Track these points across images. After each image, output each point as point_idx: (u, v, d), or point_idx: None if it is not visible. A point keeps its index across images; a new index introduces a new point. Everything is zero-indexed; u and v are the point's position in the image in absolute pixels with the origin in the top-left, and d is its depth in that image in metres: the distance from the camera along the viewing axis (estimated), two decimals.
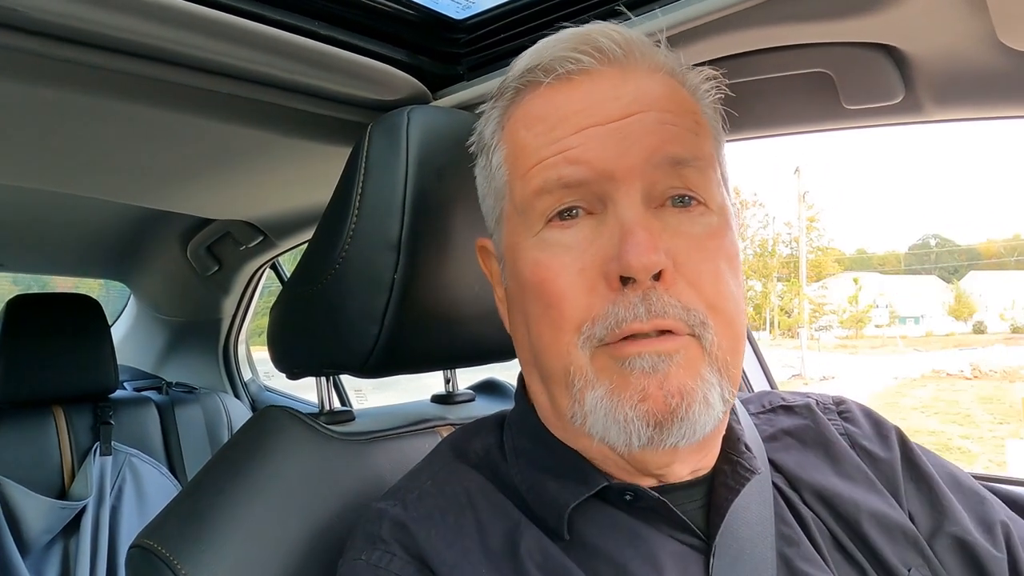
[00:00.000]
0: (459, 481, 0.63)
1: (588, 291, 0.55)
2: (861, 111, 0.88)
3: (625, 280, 0.54)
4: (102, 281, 2.47)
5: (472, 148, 0.69)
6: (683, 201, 0.57)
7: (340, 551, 0.64)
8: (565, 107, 0.58)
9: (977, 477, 1.16)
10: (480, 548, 0.58)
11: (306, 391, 1.97)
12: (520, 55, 0.63)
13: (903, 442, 0.72)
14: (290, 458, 0.75)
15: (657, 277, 0.54)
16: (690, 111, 0.60)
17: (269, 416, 0.79)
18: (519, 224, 0.61)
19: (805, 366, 16.06)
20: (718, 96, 0.63)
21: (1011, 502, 0.71)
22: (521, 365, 0.68)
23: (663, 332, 0.55)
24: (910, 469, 0.70)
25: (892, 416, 0.75)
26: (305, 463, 0.75)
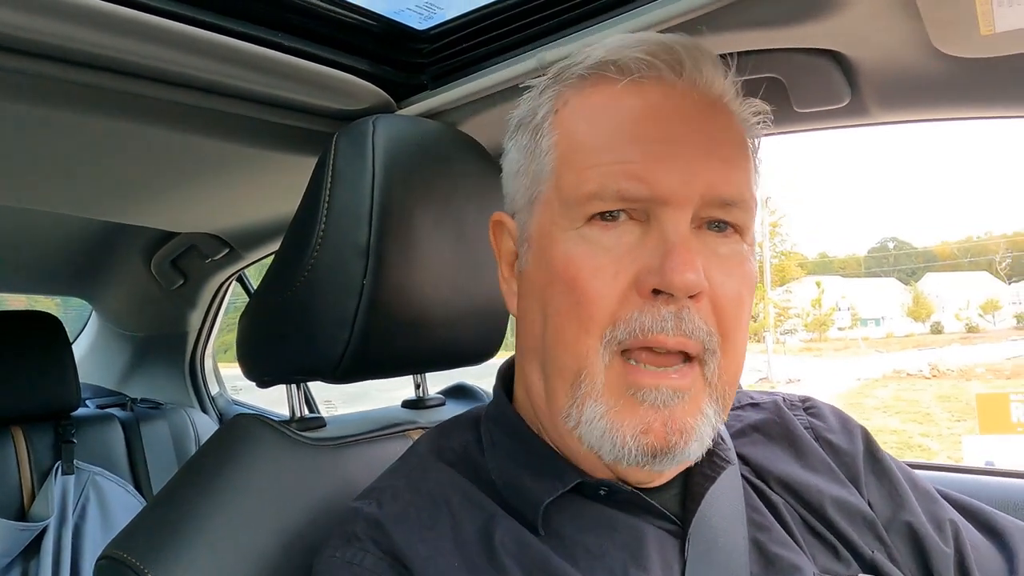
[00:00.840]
0: (435, 479, 0.64)
1: (619, 297, 0.56)
2: (811, 114, 0.91)
3: (657, 292, 0.55)
4: (58, 299, 2.42)
5: (512, 122, 0.67)
6: (720, 227, 0.59)
7: (313, 555, 0.64)
8: (633, 111, 0.58)
9: (937, 468, 1.21)
10: (453, 541, 0.59)
11: (276, 405, 1.95)
12: (591, 46, 0.62)
13: (867, 439, 0.75)
14: (261, 465, 0.75)
15: (692, 296, 0.55)
16: (743, 144, 0.61)
17: (239, 424, 0.79)
18: (559, 214, 0.60)
19: (771, 370, 16.31)
20: (763, 129, 0.64)
21: (961, 508, 0.74)
22: (519, 352, 0.67)
23: (684, 359, 0.57)
24: (872, 463, 0.73)
25: (855, 416, 0.78)
26: (276, 469, 0.75)
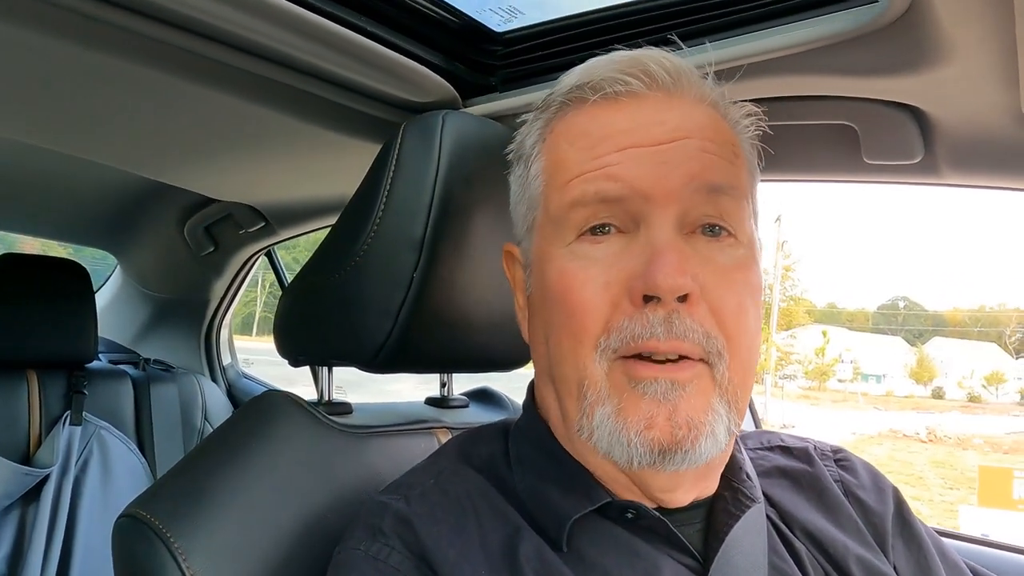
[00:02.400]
0: (462, 483, 0.64)
1: (611, 305, 0.56)
2: (880, 167, 0.90)
3: (648, 299, 0.55)
4: (71, 249, 2.41)
5: (510, 156, 0.70)
6: (714, 231, 0.58)
7: (332, 540, 0.63)
8: (609, 126, 0.59)
9: (941, 533, 1.20)
10: (480, 550, 0.58)
11: (281, 382, 1.94)
12: (568, 71, 0.64)
13: (898, 500, 0.73)
14: (290, 443, 0.75)
15: (683, 300, 0.55)
16: (730, 142, 0.62)
17: (270, 399, 0.79)
18: (551, 234, 0.61)
19: (767, 412, 16.24)
20: (756, 133, 0.65)
21: None
22: (536, 376, 0.68)
23: (681, 358, 0.55)
24: (901, 526, 0.71)
25: None
26: (304, 450, 0.75)
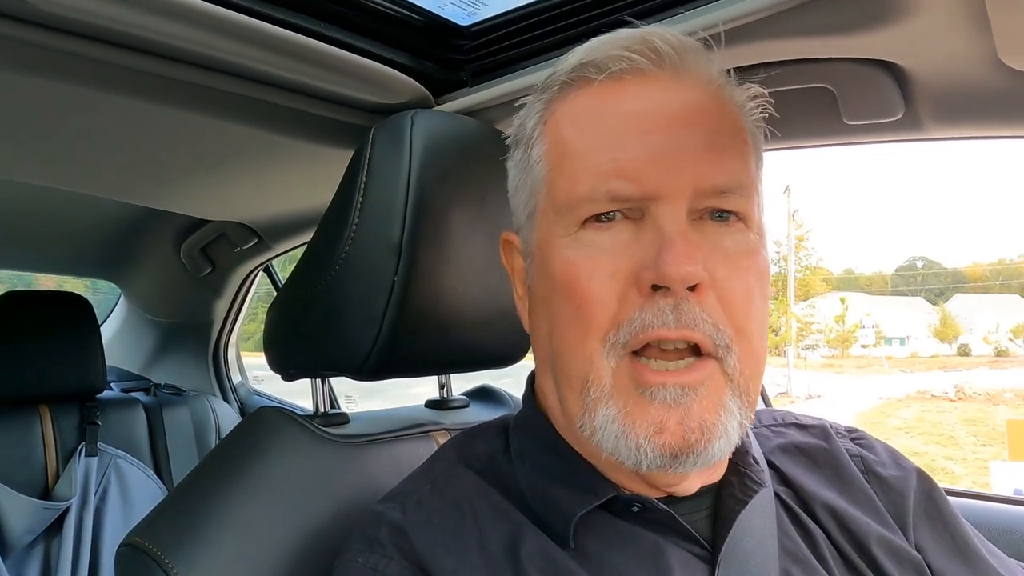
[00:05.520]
0: (460, 485, 0.63)
1: (619, 296, 0.55)
2: (861, 127, 0.89)
3: (656, 288, 0.53)
4: (88, 282, 2.45)
5: (508, 141, 0.67)
6: (723, 216, 0.57)
7: (334, 553, 0.63)
8: (616, 108, 0.57)
9: (961, 494, 1.18)
10: (479, 553, 0.57)
11: (295, 396, 1.95)
12: (572, 51, 0.62)
13: (927, 485, 0.70)
14: (284, 459, 0.74)
15: (692, 288, 0.53)
16: (738, 129, 0.59)
17: (263, 417, 0.79)
18: (555, 222, 0.59)
19: (792, 384, 16.12)
20: (762, 115, 0.62)
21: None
22: (536, 365, 0.67)
23: (691, 355, 0.54)
24: (926, 504, 0.68)
25: (877, 435, 0.75)
26: (299, 464, 0.75)
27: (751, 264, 0.57)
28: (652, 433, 0.53)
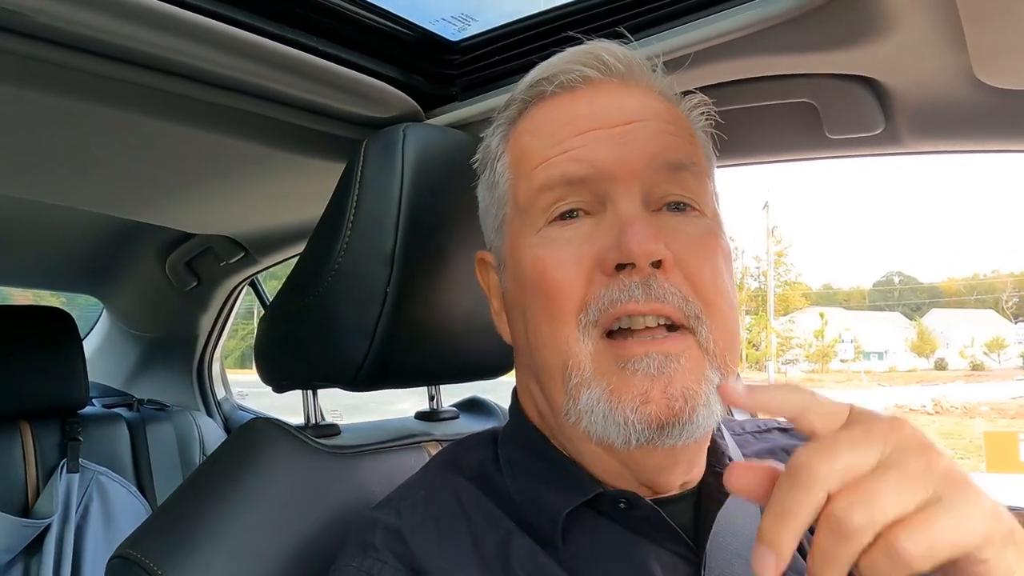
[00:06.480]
0: (452, 491, 0.64)
1: (585, 279, 0.57)
2: (843, 141, 0.91)
3: (621, 267, 0.55)
4: (64, 298, 2.41)
5: (476, 165, 0.71)
6: (679, 207, 0.60)
7: (327, 562, 0.63)
8: (569, 113, 0.61)
9: None
10: (473, 555, 0.58)
11: (280, 412, 1.94)
12: (528, 72, 0.66)
13: None
14: (276, 470, 0.74)
15: (657, 266, 0.55)
16: (685, 127, 0.64)
17: (255, 428, 0.79)
18: (521, 224, 0.62)
19: None
20: (708, 122, 0.66)
21: None
22: (517, 375, 0.68)
23: (667, 328, 0.56)
24: None
25: None
26: (292, 475, 0.75)
27: (715, 245, 0.60)
28: (638, 404, 0.54)
